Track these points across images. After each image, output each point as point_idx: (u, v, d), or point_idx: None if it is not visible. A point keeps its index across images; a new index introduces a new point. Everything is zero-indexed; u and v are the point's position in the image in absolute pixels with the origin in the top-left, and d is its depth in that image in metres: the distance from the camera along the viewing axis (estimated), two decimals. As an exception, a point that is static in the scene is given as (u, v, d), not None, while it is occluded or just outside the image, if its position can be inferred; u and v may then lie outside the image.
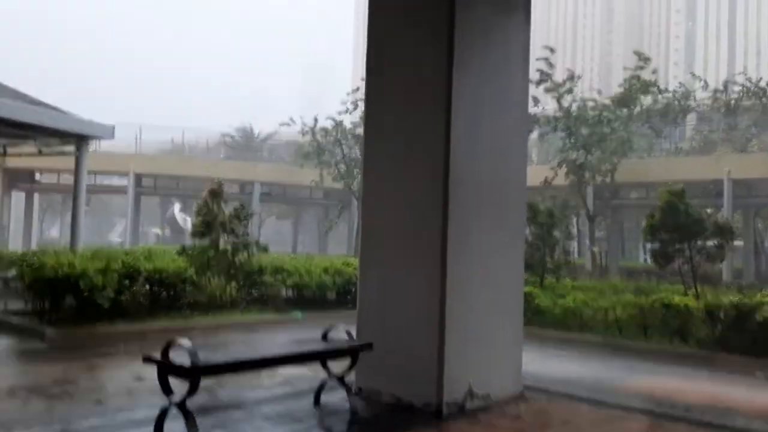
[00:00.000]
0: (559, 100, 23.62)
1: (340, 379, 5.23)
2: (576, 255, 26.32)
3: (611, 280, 17.32)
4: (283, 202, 39.63)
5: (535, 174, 22.95)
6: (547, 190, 23.62)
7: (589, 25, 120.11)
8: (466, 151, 5.54)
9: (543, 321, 11.17)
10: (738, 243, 21.59)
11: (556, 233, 13.99)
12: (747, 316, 9.09)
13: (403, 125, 5.75)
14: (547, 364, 8.38)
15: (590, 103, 24.02)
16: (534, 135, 26.34)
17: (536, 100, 23.11)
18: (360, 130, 24.66)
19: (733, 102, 28.47)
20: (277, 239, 39.37)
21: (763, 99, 28.05)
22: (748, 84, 28.19)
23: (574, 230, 26.68)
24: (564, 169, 23.69)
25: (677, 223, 11.69)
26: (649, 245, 14.44)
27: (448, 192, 5.37)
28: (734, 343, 9.17)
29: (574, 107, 23.84)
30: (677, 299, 10.37)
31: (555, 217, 13.86)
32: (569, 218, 24.45)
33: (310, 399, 5.46)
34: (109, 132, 14.97)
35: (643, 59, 23.54)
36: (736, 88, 28.95)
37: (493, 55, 5.91)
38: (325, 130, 28.95)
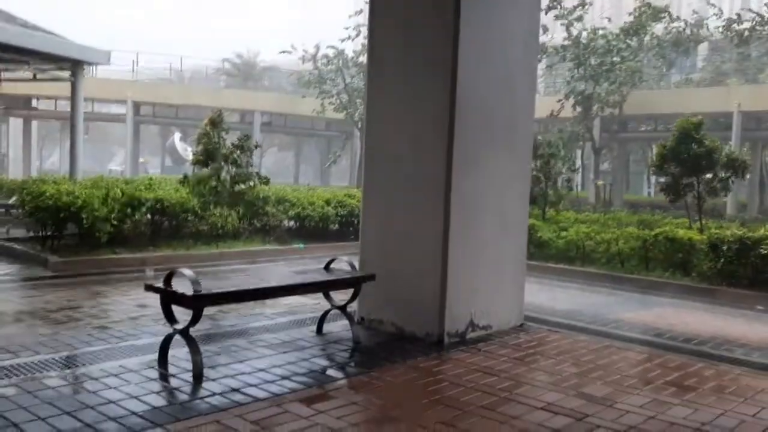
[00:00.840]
0: (568, 28, 22.95)
1: (343, 309, 5.25)
2: (580, 188, 26.24)
3: (615, 212, 17.28)
4: (284, 133, 39.33)
5: (543, 105, 22.53)
6: (554, 122, 23.32)
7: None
8: (473, 79, 5.36)
9: (545, 254, 11.19)
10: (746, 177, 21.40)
11: (559, 165, 13.86)
12: (750, 249, 9.07)
13: (408, 53, 5.54)
14: (549, 296, 8.44)
15: (600, 31, 23.34)
16: (542, 65, 25.72)
17: (545, 29, 22.45)
18: (363, 59, 24.10)
19: (746, 32, 27.63)
20: (279, 170, 39.31)
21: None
22: (763, 13, 27.26)
23: (578, 162, 26.49)
24: (571, 101, 23.28)
25: (690, 153, 11.50)
26: (654, 179, 14.30)
27: (454, 122, 5.22)
28: (736, 277, 9.20)
29: (583, 36, 23.19)
30: (681, 232, 10.34)
31: (556, 148, 13.69)
32: (573, 150, 24.27)
33: (313, 328, 5.50)
34: (105, 57, 14.65)
35: None
36: (750, 17, 28.06)
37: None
38: (326, 57, 28.33)
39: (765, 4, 28.17)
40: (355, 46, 26.91)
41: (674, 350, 5.63)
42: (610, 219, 14.07)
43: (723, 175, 11.72)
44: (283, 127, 36.29)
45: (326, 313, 5.42)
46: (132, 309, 6.80)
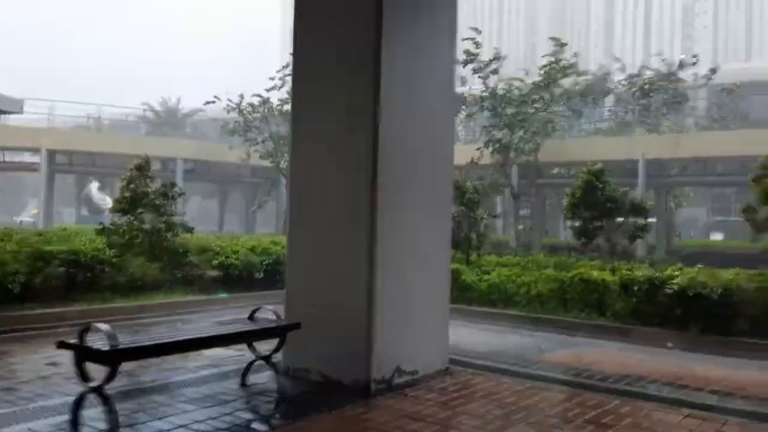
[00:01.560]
0: (485, 80, 24.01)
1: (268, 359, 5.17)
2: (501, 232, 27.03)
3: (534, 256, 17.86)
4: (208, 180, 38.70)
5: (463, 153, 23.29)
6: (474, 170, 24.08)
7: (515, 8, 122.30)
8: (395, 128, 5.53)
9: (469, 297, 11.41)
10: (651, 220, 22.65)
11: (481, 210, 14.29)
12: (658, 289, 9.58)
13: (332, 101, 5.68)
14: (473, 339, 8.59)
15: (516, 83, 24.54)
16: (461, 114, 26.70)
17: (463, 80, 23.40)
18: (288, 107, 24.27)
19: (647, 85, 29.76)
20: (203, 218, 38.46)
21: (674, 82, 29.45)
22: (662, 68, 29.53)
23: (499, 208, 27.34)
24: (490, 149, 24.17)
25: (595, 201, 12.18)
26: (569, 222, 14.97)
27: (377, 169, 5.35)
28: (647, 315, 9.66)
29: (499, 88, 24.30)
30: (595, 274, 10.80)
31: (480, 194, 14.14)
32: (494, 196, 25.09)
33: (237, 380, 5.38)
34: (17, 105, 14.14)
35: (559, 45, 24.22)
36: (650, 72, 30.30)
37: (421, 30, 5.89)
38: (252, 106, 28.37)
39: (662, 60, 30.52)
40: (281, 95, 27.11)
41: (592, 389, 5.84)
42: (530, 262, 14.51)
43: (630, 219, 12.42)
44: (208, 174, 35.76)
45: (250, 364, 5.33)
46: (42, 368, 6.43)
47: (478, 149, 24.13)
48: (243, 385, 5.27)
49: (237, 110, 28.58)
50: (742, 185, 22.58)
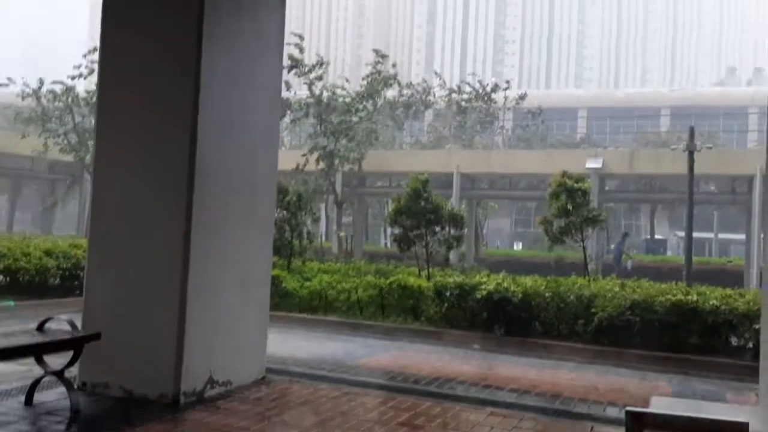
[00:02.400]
0: (310, 86, 24.09)
1: (60, 375, 4.62)
2: (324, 239, 27.22)
3: (355, 262, 18.19)
4: (-5, 174, 34.31)
5: (287, 158, 23.11)
6: (299, 175, 24.02)
7: (342, 18, 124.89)
8: (215, 129, 5.26)
9: (290, 303, 11.27)
10: (464, 230, 24.13)
11: (304, 217, 14.24)
12: (467, 294, 10.17)
13: (146, 96, 5.26)
14: (292, 347, 8.46)
15: (339, 91, 24.92)
16: (286, 119, 26.53)
17: (288, 85, 23.27)
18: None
19: (463, 103, 31.87)
20: (-13, 217, 34.21)
21: (488, 102, 31.84)
22: (477, 88, 31.78)
23: (323, 215, 27.55)
24: (315, 156, 24.27)
25: (419, 209, 12.68)
26: (390, 230, 15.44)
27: (194, 171, 5.04)
28: (458, 319, 10.21)
29: (324, 95, 24.52)
30: (412, 280, 11.22)
31: (303, 200, 14.08)
32: (318, 203, 25.23)
33: (21, 399, 4.75)
34: None
35: (380, 56, 25.12)
36: (467, 90, 32.49)
37: (245, 30, 5.68)
38: (53, 93, 25.69)
39: (477, 81, 32.81)
40: (88, 84, 24.94)
41: (406, 392, 6.00)
42: (351, 269, 14.73)
43: (448, 229, 13.11)
44: (-6, 167, 31.68)
45: (38, 380, 4.72)
46: None
47: (303, 155, 24.12)
48: (29, 404, 4.66)
49: (34, 97, 25.72)
50: (541, 200, 24.95)
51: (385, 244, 36.01)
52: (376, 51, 25.69)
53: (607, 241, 28.46)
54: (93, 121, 23.18)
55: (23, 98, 26.08)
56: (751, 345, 8.70)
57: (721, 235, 42.02)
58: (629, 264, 22.65)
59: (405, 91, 27.41)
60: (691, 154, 21.13)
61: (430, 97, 30.77)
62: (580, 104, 53.30)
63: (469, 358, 8.61)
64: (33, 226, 34.36)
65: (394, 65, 26.50)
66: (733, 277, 21.06)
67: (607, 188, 26.95)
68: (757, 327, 7.68)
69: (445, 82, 32.33)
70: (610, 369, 8.17)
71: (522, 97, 32.57)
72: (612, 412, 5.81)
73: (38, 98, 25.78)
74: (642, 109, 48.63)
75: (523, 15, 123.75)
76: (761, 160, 16.48)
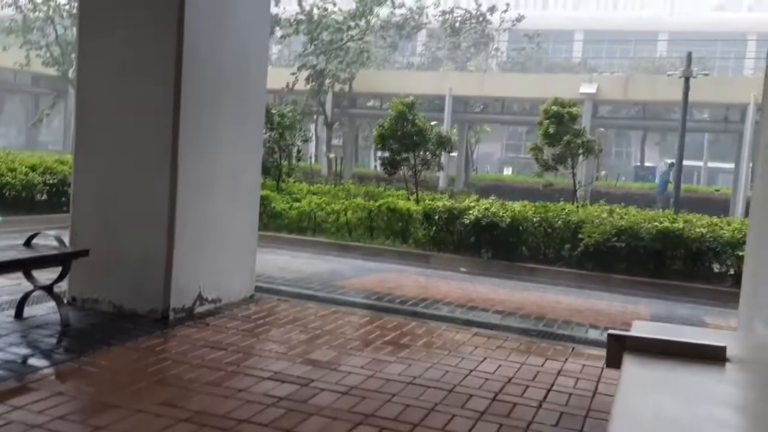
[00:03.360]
0: (300, 2, 23.28)
1: (49, 289, 4.64)
2: (314, 160, 27.06)
3: (345, 184, 18.16)
4: (-23, 88, 33.44)
5: (277, 77, 22.58)
6: (289, 94, 23.57)
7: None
8: (203, 41, 5.07)
9: (279, 224, 11.32)
10: (454, 154, 24.05)
11: (293, 137, 14.08)
12: (456, 218, 10.23)
13: (129, 8, 5.03)
14: (280, 266, 8.54)
15: (330, 7, 24.11)
16: (275, 36, 25.75)
17: (277, 0, 22.46)
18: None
19: (457, 23, 31.01)
20: (-29, 131, 33.60)
21: (483, 23, 30.99)
22: (472, 8, 30.85)
23: (312, 135, 27.25)
24: (305, 74, 23.73)
25: (404, 132, 12.55)
26: (378, 153, 15.32)
27: (181, 84, 4.89)
28: (446, 242, 10.32)
29: (315, 12, 23.73)
30: (401, 203, 11.25)
31: (291, 119, 13.88)
32: (306, 123, 24.91)
33: (10, 313, 4.78)
34: None
35: None
36: (461, 11, 31.54)
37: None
38: (33, 3, 24.68)
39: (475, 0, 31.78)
40: (71, -8, 23.99)
41: (392, 312, 6.10)
42: (341, 191, 14.73)
43: (434, 150, 13.03)
44: (-26, 79, 30.82)
45: (27, 294, 4.74)
46: None
47: (292, 74, 23.58)
48: (18, 317, 4.70)
49: (14, 6, 24.71)
50: (532, 125, 24.75)
51: (375, 166, 35.92)
52: None
53: (597, 167, 28.47)
54: (75, 32, 22.48)
55: (2, 8, 25.06)
56: (732, 272, 8.89)
57: (711, 164, 42.18)
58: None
59: (397, 11, 26.53)
60: (687, 80, 20.87)
61: (423, 18, 29.85)
62: (577, 27, 52.09)
63: (456, 280, 8.74)
64: (17, 142, 33.83)
65: None
66: (720, 206, 21.30)
67: (600, 114, 26.73)
68: (740, 254, 7.81)
69: (439, 2, 31.31)
70: (594, 293, 8.34)
71: (518, 19, 31.68)
72: (594, 334, 5.96)
73: (17, 7, 24.77)
74: (640, 33, 47.63)
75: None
76: (756, 88, 16.31)
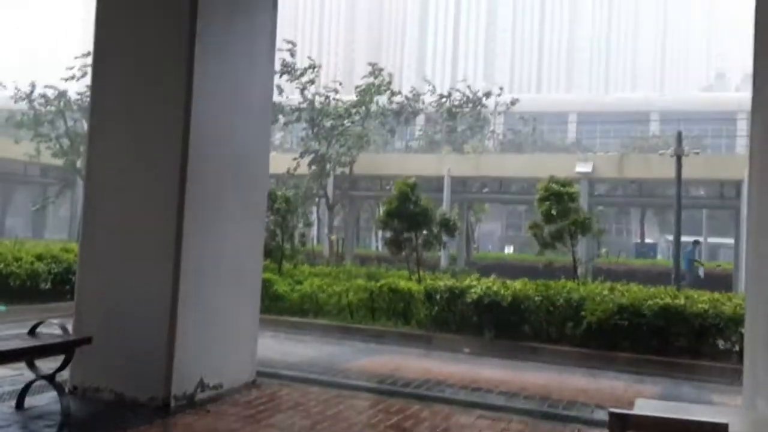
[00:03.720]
0: (302, 91, 24.14)
1: (51, 379, 4.64)
2: (315, 242, 27.24)
3: (346, 266, 18.22)
4: (-14, 179, 34.09)
5: (280, 162, 23.15)
6: (291, 179, 24.05)
7: (334, 23, 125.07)
8: (207, 134, 5.30)
9: (281, 307, 11.29)
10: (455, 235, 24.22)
11: (295, 220, 14.29)
12: (458, 297, 10.22)
13: (138, 102, 5.29)
14: (282, 350, 8.50)
15: (332, 94, 24.98)
16: (279, 123, 26.54)
17: (280, 89, 23.29)
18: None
19: (453, 108, 32.00)
20: (-20, 221, 33.96)
21: (478, 107, 31.98)
22: (467, 93, 31.92)
23: (314, 218, 27.55)
24: (306, 159, 24.30)
25: (408, 212, 12.75)
26: (381, 233, 15.47)
27: (186, 175, 5.08)
28: (448, 322, 10.26)
29: (317, 100, 24.57)
30: (402, 283, 11.26)
31: (292, 204, 14.12)
32: (308, 206, 25.29)
33: (12, 403, 4.77)
34: None
35: (377, 69, 25.22)
36: (457, 95, 32.62)
37: (237, 34, 5.73)
38: (45, 97, 25.62)
39: (467, 86, 32.97)
40: (80, 87, 24.88)
41: (396, 395, 6.04)
42: (342, 272, 14.78)
43: (438, 232, 13.19)
44: (-15, 172, 31.45)
45: (29, 384, 4.74)
46: None
47: (294, 159, 24.15)
48: (19, 408, 4.68)
49: (27, 101, 25.64)
50: (531, 203, 25.04)
51: (377, 247, 36.07)
52: (371, 64, 25.83)
53: (597, 245, 28.61)
54: (85, 125, 23.22)
55: (16, 102, 25.99)
56: (737, 348, 8.80)
57: (711, 239, 42.32)
58: (701, 271, 22.12)
59: (396, 99, 27.50)
60: (679, 158, 21.32)
61: (420, 104, 30.88)
62: (570, 108, 53.62)
63: (459, 361, 8.66)
64: (24, 231, 34.18)
65: (390, 75, 26.58)
66: (722, 281, 21.24)
67: (597, 192, 27.13)
68: (743, 330, 7.77)
69: (435, 89, 32.42)
70: (599, 372, 8.25)
71: (513, 103, 32.72)
72: (600, 414, 5.87)
73: (30, 102, 25.70)
74: (632, 113, 48.96)
75: (513, 19, 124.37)
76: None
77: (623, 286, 10.56)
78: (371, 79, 24.89)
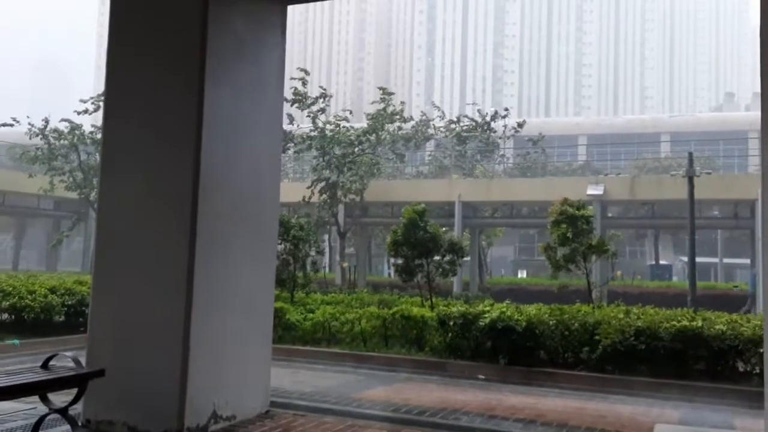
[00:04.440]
0: (313, 119, 24.36)
1: (63, 412, 4.62)
2: (327, 269, 27.22)
3: (359, 293, 18.16)
4: (1, 213, 34.47)
5: (291, 190, 23.27)
6: (302, 207, 24.15)
7: (343, 52, 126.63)
8: (217, 165, 5.34)
9: (293, 336, 11.25)
10: (466, 259, 24.18)
11: (307, 248, 14.30)
12: (471, 323, 10.14)
13: (149, 137, 5.35)
14: (296, 380, 8.44)
15: (342, 123, 25.18)
16: (290, 152, 26.74)
17: (291, 118, 23.51)
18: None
19: (463, 132, 32.11)
20: (-5, 255, 34.24)
21: (487, 131, 32.08)
22: (477, 118, 32.06)
23: (326, 246, 27.57)
24: (318, 188, 24.41)
25: (417, 238, 12.73)
26: (392, 260, 15.43)
27: (197, 206, 5.10)
28: (462, 349, 10.16)
29: (327, 128, 24.77)
30: (415, 310, 11.20)
31: (305, 232, 14.15)
32: (320, 234, 25.34)
33: (25, 438, 4.75)
34: None
35: (387, 94, 25.41)
36: (466, 120, 32.76)
37: (247, 71, 5.80)
38: (58, 132, 26.02)
39: (477, 110, 33.14)
40: (94, 120, 25.28)
41: (411, 423, 5.97)
42: (355, 299, 14.74)
43: (448, 257, 13.15)
44: (1, 206, 31.80)
45: (42, 418, 4.72)
46: None
47: (308, 188, 24.28)
48: (33, 443, 4.65)
49: (41, 135, 26.05)
50: (542, 227, 24.90)
51: (389, 273, 35.97)
52: (381, 89, 26.02)
53: (611, 267, 28.36)
54: (98, 159, 23.52)
55: (30, 137, 26.40)
56: (758, 370, 8.64)
57: (726, 260, 41.86)
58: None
59: (405, 125, 27.67)
60: (690, 179, 21.21)
61: (430, 130, 31.02)
62: (579, 131, 53.64)
63: (474, 388, 8.56)
64: (38, 264, 34.45)
65: (402, 103, 26.79)
66: (739, 302, 20.94)
67: (609, 214, 26.99)
68: (762, 351, 7.64)
69: (444, 114, 32.58)
70: (617, 397, 8.11)
71: (521, 125, 32.78)
72: (618, 440, 5.76)
73: (44, 136, 26.10)
74: (642, 135, 48.89)
75: (520, 44, 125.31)
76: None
77: (639, 309, 10.44)
78: (381, 105, 25.06)
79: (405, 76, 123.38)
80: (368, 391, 8.00)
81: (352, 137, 24.65)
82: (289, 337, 11.12)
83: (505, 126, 32.54)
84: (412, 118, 29.71)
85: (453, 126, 32.55)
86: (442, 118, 32.49)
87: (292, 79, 22.02)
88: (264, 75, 6.05)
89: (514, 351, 9.69)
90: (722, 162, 42.35)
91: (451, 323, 10.29)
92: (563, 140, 48.17)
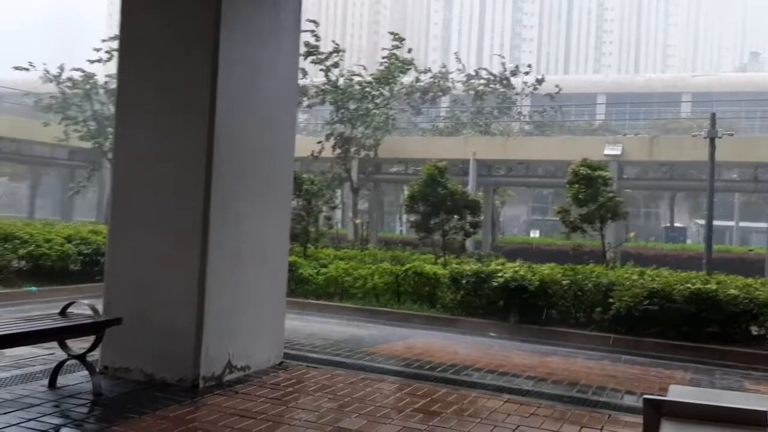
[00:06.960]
0: (326, 73, 24.00)
1: (82, 358, 4.70)
2: (340, 225, 27.27)
3: (371, 249, 18.21)
4: (16, 161, 34.58)
5: (304, 145, 23.11)
6: (315, 162, 24.02)
7: (359, 3, 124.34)
8: (233, 117, 5.28)
9: (306, 290, 11.35)
10: (480, 218, 24.06)
11: (320, 203, 14.29)
12: (484, 282, 10.16)
13: (164, 85, 5.28)
14: (309, 333, 8.53)
15: (356, 78, 24.76)
16: (303, 105, 26.47)
17: (304, 72, 23.15)
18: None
19: (481, 88, 31.58)
20: (10, 203, 34.61)
21: (506, 87, 31.51)
22: (500, 71, 31.40)
23: (339, 201, 27.55)
24: (331, 142, 24.21)
25: (435, 195, 12.66)
26: (405, 217, 15.39)
27: (213, 157, 5.07)
28: (474, 306, 10.22)
29: (341, 81, 24.39)
30: (428, 267, 11.22)
31: (317, 186, 14.12)
32: (333, 189, 25.30)
33: (45, 382, 4.84)
34: None
35: (398, 39, 24.76)
36: (484, 75, 32.15)
37: (263, 20, 5.67)
38: (72, 80, 25.85)
39: (502, 63, 32.38)
40: (107, 69, 25.07)
41: (422, 378, 6.02)
42: (367, 255, 14.78)
43: (469, 218, 13.07)
44: (16, 154, 31.84)
45: (61, 364, 4.81)
46: None
47: (319, 142, 24.09)
48: (52, 387, 4.75)
49: (55, 83, 25.89)
50: (558, 187, 24.70)
51: (401, 231, 36.03)
52: (392, 33, 25.39)
53: (626, 228, 28.18)
54: (112, 109, 23.41)
55: (44, 83, 26.24)
56: (771, 334, 8.62)
57: (742, 224, 41.49)
58: None
59: (422, 77, 27.15)
60: (712, 141, 20.83)
61: (448, 83, 30.41)
62: (599, 90, 52.73)
63: (485, 345, 8.61)
64: (54, 213, 34.81)
65: (410, 51, 26.16)
66: (755, 266, 20.83)
67: (625, 175, 26.65)
68: (777, 316, 7.60)
69: (464, 67, 31.94)
70: (628, 357, 8.14)
71: (540, 81, 32.13)
72: (629, 400, 5.79)
73: (59, 84, 25.97)
74: (662, 95, 48.01)
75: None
76: (784, 147, 16.23)
77: (653, 270, 10.39)
78: (394, 51, 24.42)
79: (422, 30, 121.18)
80: (380, 345, 8.07)
81: (365, 84, 24.17)
82: (302, 290, 11.21)
83: (525, 83, 31.95)
84: (429, 70, 29.08)
85: (472, 80, 31.96)
86: (462, 71, 31.86)
87: (303, 32, 21.64)
88: (281, 21, 5.92)
89: (526, 310, 9.72)
90: (744, 123, 41.57)
91: (464, 281, 10.31)
92: (582, 99, 47.34)
